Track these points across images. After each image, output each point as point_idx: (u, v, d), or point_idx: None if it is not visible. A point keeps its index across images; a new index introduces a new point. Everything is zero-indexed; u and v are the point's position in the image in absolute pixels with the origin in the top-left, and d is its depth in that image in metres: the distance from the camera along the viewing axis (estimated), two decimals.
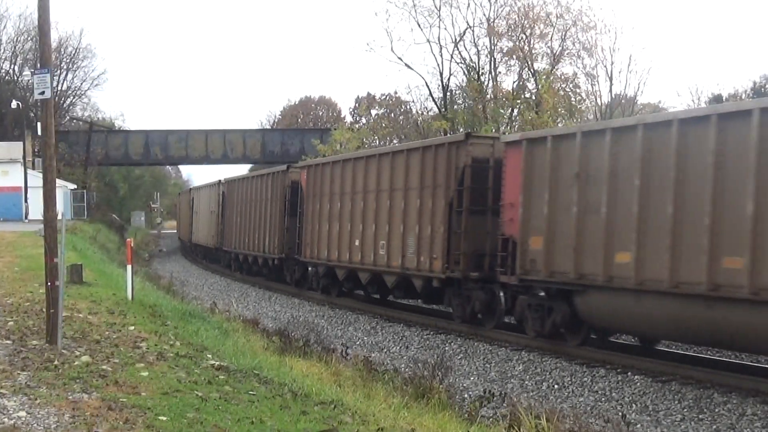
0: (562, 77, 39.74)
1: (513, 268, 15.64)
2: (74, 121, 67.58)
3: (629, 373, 12.97)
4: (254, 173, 36.27)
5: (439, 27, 42.03)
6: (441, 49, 41.69)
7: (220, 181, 40.72)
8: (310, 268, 25.83)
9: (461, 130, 39.41)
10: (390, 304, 22.67)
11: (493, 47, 40.60)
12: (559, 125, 33.17)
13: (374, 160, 21.37)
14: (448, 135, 32.11)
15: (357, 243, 21.79)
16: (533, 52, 39.34)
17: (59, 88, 62.16)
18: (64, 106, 64.96)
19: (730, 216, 11.43)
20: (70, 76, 65.10)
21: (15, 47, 61.71)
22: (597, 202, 13.65)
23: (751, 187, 11.03)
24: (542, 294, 15.31)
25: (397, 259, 19.67)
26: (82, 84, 67.00)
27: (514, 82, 41.04)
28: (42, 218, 11.38)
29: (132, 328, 11.58)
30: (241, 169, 64.80)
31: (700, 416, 10.89)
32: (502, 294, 16.72)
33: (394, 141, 47.05)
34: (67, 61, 64.17)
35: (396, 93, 52.35)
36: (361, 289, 23.37)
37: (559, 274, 14.54)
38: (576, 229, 14.04)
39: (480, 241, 17.12)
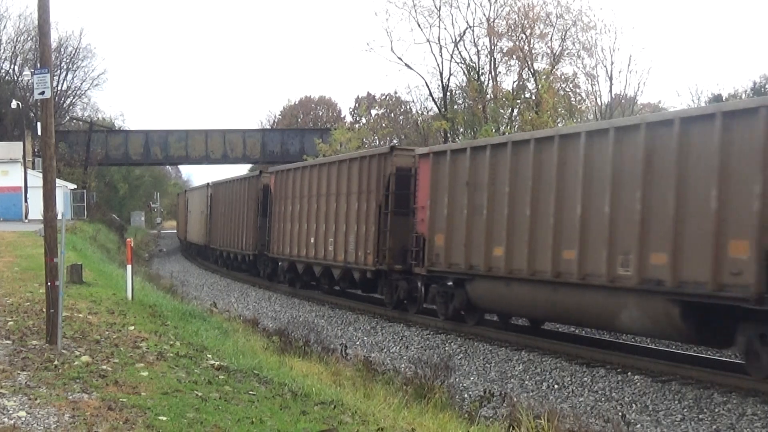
0: (562, 77, 39.75)
1: (423, 261, 18.67)
2: (74, 121, 67.59)
3: (629, 373, 12.97)
4: (234, 177, 39.20)
5: (439, 27, 42.08)
6: (441, 49, 41.74)
7: (208, 183, 44.27)
8: (279, 263, 28.69)
9: (461, 130, 39.47)
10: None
11: (493, 47, 40.64)
12: (560, 125, 33.19)
13: (325, 168, 24.61)
14: (403, 142, 33.59)
15: (312, 240, 24.98)
16: (533, 52, 39.36)
17: (59, 88, 62.19)
18: (64, 106, 64.96)
19: (566, 218, 14.33)
20: (70, 76, 65.21)
21: (15, 47, 61.76)
22: (481, 205, 16.61)
23: (579, 194, 14.07)
24: (450, 283, 17.97)
25: (341, 255, 22.80)
26: (82, 84, 67.11)
27: (514, 82, 41.07)
28: (42, 218, 11.38)
29: (132, 328, 11.59)
30: (241, 169, 64.92)
31: (700, 416, 10.89)
32: (419, 283, 19.33)
33: (394, 141, 47.08)
34: (67, 61, 64.25)
35: (396, 93, 52.42)
36: (316, 281, 25.96)
37: (455, 265, 17.46)
38: (466, 228, 17.03)
39: (403, 239, 19.82)
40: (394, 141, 46.99)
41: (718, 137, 11.62)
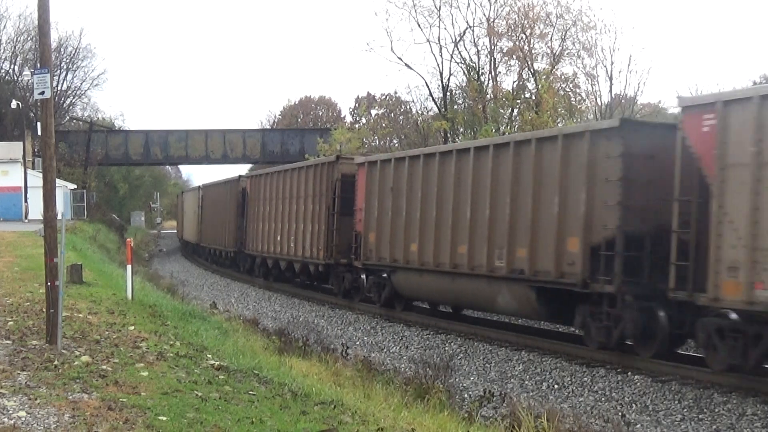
0: (562, 77, 39.69)
1: (360, 256, 21.54)
2: (74, 121, 67.56)
3: (629, 373, 12.97)
4: (220, 180, 42.60)
5: (439, 27, 42.01)
6: (441, 49, 41.67)
7: (199, 186, 48.27)
8: (255, 259, 32.14)
9: (461, 130, 39.45)
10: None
11: (493, 47, 40.58)
12: (559, 125, 33.20)
13: (288, 173, 28.15)
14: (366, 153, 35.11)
15: (278, 238, 28.56)
16: (533, 52, 39.31)
17: (59, 88, 62.17)
18: (64, 106, 64.94)
19: (461, 219, 17.30)
20: (70, 76, 65.15)
21: (15, 47, 61.71)
22: (401, 208, 19.52)
23: (469, 200, 16.99)
24: (384, 275, 20.61)
25: (300, 250, 26.35)
26: (82, 84, 67.05)
27: (514, 82, 41.01)
28: (42, 218, 11.38)
29: (132, 328, 11.59)
30: (241, 169, 64.87)
31: (700, 416, 10.89)
32: (363, 276, 22.10)
33: (394, 141, 47.07)
34: (67, 61, 64.20)
35: (396, 93, 52.29)
36: (281, 274, 29.38)
37: (383, 259, 20.37)
38: (390, 228, 20.01)
39: (348, 237, 22.81)
40: (394, 141, 47.00)
41: (560, 155, 14.63)
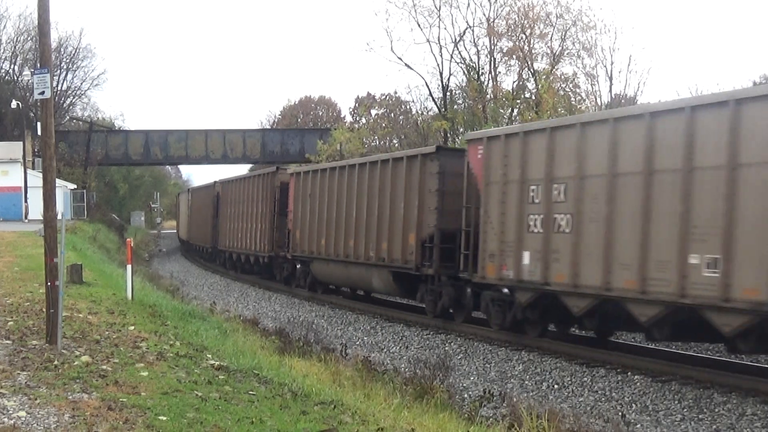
0: (562, 77, 39.69)
1: (290, 249, 27.00)
2: (74, 121, 67.54)
3: (629, 373, 12.97)
4: (201, 185, 48.60)
5: (439, 27, 42.06)
6: (441, 49, 41.72)
7: (188, 189, 55.58)
8: (227, 254, 37.01)
9: (461, 130, 39.46)
10: (389, 304, 22.71)
11: (492, 47, 40.61)
12: None
13: (248, 180, 33.72)
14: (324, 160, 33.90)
15: (239, 235, 34.07)
16: (533, 52, 39.32)
17: (59, 88, 62.17)
18: (64, 106, 64.93)
19: (349, 219, 22.33)
20: (70, 76, 65.14)
21: (15, 47, 61.69)
22: (315, 210, 24.66)
23: (354, 205, 22.14)
24: (307, 264, 25.95)
25: (253, 245, 32.00)
26: (82, 84, 67.05)
27: (514, 82, 41.02)
28: (42, 218, 11.38)
29: (132, 328, 11.59)
30: (241, 169, 64.91)
31: (700, 416, 10.89)
32: (298, 265, 27.03)
33: (394, 141, 47.04)
34: (67, 61, 64.19)
35: (396, 93, 52.30)
36: (243, 266, 34.36)
37: (304, 251, 25.63)
38: (309, 226, 25.14)
39: (285, 233, 27.75)
40: (394, 141, 46.97)
41: (405, 172, 19.65)
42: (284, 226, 27.93)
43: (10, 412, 6.59)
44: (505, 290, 16.22)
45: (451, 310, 18.49)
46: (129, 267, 15.75)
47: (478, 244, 16.56)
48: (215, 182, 40.57)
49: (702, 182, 11.78)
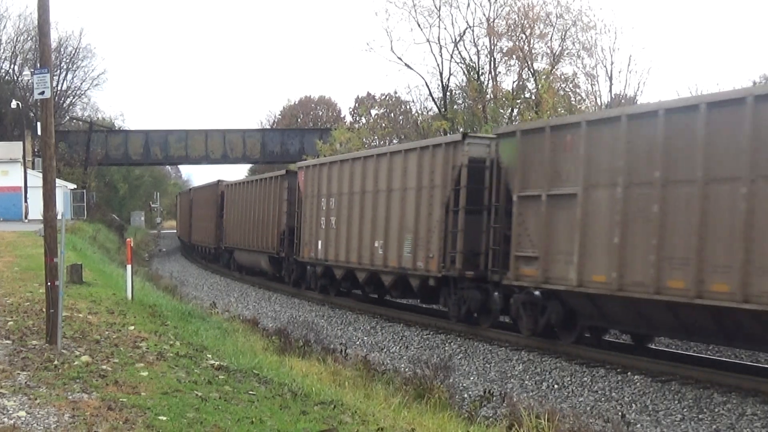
0: (562, 77, 39.69)
1: (222, 242, 38.80)
2: (74, 121, 67.55)
3: (629, 373, 12.96)
4: (203, 185, 49.72)
5: (438, 27, 42.06)
6: (441, 49, 41.71)
7: (190, 189, 57.36)
8: (233, 252, 39.10)
9: (461, 130, 39.43)
10: (389, 303, 22.71)
11: (492, 47, 40.59)
12: None
13: (258, 183, 33.48)
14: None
15: (238, 234, 36.10)
16: (533, 52, 39.32)
17: (59, 88, 62.16)
18: (64, 106, 64.92)
19: (251, 220, 32.44)
20: (70, 76, 65.12)
21: (15, 47, 61.69)
22: (238, 212, 35.77)
23: (255, 209, 32.72)
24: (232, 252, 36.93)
25: (206, 238, 42.72)
26: (82, 84, 67.03)
27: (513, 82, 41.02)
28: (42, 218, 11.38)
29: (132, 328, 11.59)
30: (241, 169, 65.00)
31: (700, 416, 10.89)
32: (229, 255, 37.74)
33: (394, 141, 47.01)
34: (67, 61, 64.17)
35: (396, 93, 52.26)
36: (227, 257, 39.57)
37: (231, 242, 35.87)
38: (234, 223, 36.22)
39: (221, 230, 39.31)
40: (394, 141, 46.95)
41: (271, 186, 29.76)
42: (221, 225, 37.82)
43: (10, 412, 6.59)
44: (311, 266, 25.74)
45: (297, 280, 27.87)
46: (129, 267, 15.75)
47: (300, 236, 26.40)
48: (219, 182, 40.76)
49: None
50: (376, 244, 20.66)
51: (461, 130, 39.69)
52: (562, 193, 14.31)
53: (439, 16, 41.40)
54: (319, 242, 24.28)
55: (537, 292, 15.30)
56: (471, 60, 41.34)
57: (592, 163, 13.66)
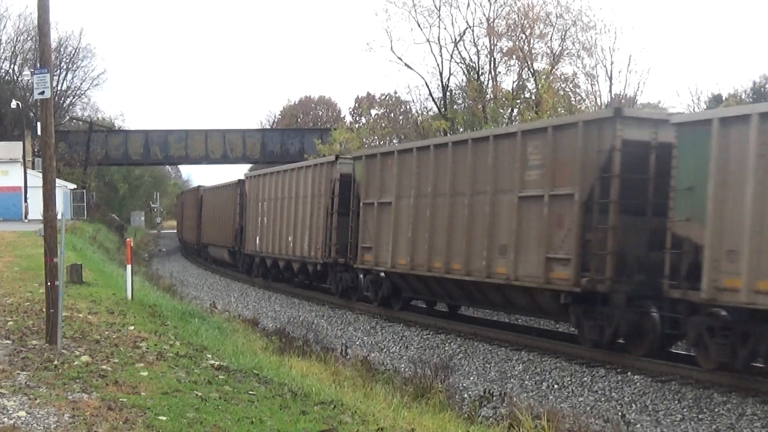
0: (562, 77, 39.65)
1: (182, 235, 55.77)
2: (74, 121, 67.52)
3: (629, 373, 12.96)
4: (190, 189, 60.17)
5: (438, 27, 41.97)
6: (441, 49, 41.63)
7: (182, 192, 65.65)
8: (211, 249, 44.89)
9: (461, 130, 39.44)
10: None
11: (492, 47, 40.54)
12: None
13: (222, 188, 40.15)
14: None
15: (210, 232, 42.04)
16: (533, 52, 39.27)
17: (59, 88, 62.12)
18: (64, 106, 64.88)
19: (213, 221, 41.59)
20: (69, 76, 65.04)
21: (15, 47, 61.63)
22: (208, 213, 43.95)
23: (213, 213, 42.21)
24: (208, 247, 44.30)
25: (222, 239, 40.91)
26: (81, 84, 66.95)
27: (513, 82, 40.98)
28: (42, 218, 11.38)
29: (132, 328, 11.59)
30: (241, 169, 65.06)
31: (700, 416, 10.89)
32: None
33: (394, 141, 47.01)
34: (67, 61, 64.11)
35: (396, 93, 52.24)
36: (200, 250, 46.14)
37: (205, 240, 43.28)
38: (195, 221, 47.18)
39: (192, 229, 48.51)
40: (394, 141, 46.94)
41: (225, 194, 38.50)
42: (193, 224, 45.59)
43: (10, 412, 6.59)
44: (254, 257, 31.44)
45: (248, 269, 33.02)
46: (129, 267, 15.75)
47: (244, 234, 32.03)
48: (199, 187, 48.17)
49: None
50: (290, 239, 26.83)
51: (461, 130, 39.74)
52: (385, 201, 19.72)
53: (439, 16, 41.37)
54: (257, 238, 30.68)
55: (382, 273, 20.26)
56: (471, 60, 41.32)
57: (401, 181, 19.26)
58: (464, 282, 16.92)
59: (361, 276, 21.77)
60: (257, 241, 30.47)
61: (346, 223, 22.52)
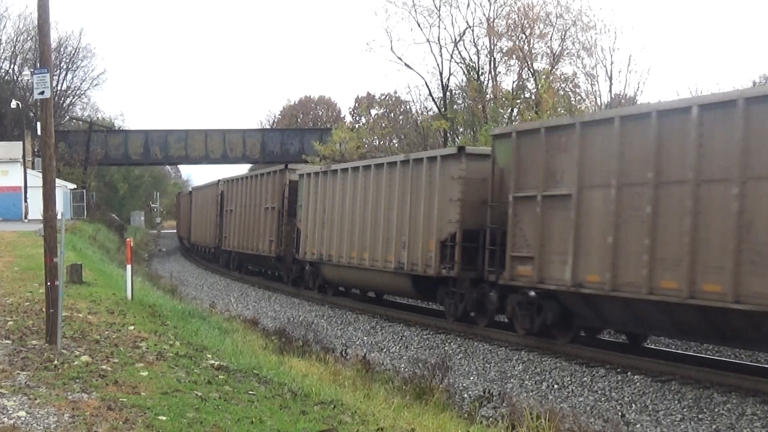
0: (562, 77, 39.68)
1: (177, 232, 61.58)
2: (74, 121, 67.54)
3: (629, 373, 12.97)
4: (185, 191, 62.41)
5: (438, 27, 42.05)
6: (441, 48, 41.67)
7: (179, 193, 69.64)
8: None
9: (461, 130, 39.47)
10: (387, 303, 22.73)
11: (492, 47, 40.57)
12: None
13: (205, 189, 44.01)
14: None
15: (199, 231, 45.56)
16: (533, 51, 39.30)
17: (59, 87, 62.15)
18: (64, 105, 64.91)
19: (200, 221, 46.05)
20: (69, 75, 65.09)
21: (15, 47, 61.65)
22: (197, 214, 47.05)
23: (197, 215, 48.12)
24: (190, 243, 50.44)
25: (207, 237, 43.26)
26: (81, 84, 67.01)
27: (513, 82, 41.01)
28: (41, 218, 11.37)
29: (132, 327, 11.58)
30: (241, 169, 65.01)
31: (700, 416, 10.89)
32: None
33: (394, 141, 47.03)
34: (67, 60, 64.15)
35: (396, 93, 52.33)
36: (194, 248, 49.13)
37: (195, 239, 47.17)
38: (189, 221, 49.37)
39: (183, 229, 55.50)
40: (394, 141, 46.97)
41: (188, 199, 51.51)
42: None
43: (10, 412, 6.59)
44: (228, 252, 36.00)
45: (226, 263, 38.20)
46: (129, 267, 15.75)
47: (222, 231, 36.95)
48: (191, 191, 51.51)
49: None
50: (255, 236, 31.48)
51: (461, 130, 39.76)
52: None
53: (439, 16, 41.43)
54: (231, 236, 35.70)
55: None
56: (471, 60, 41.35)
57: (334, 194, 23.45)
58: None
59: (307, 266, 26.23)
60: (231, 239, 35.95)
61: (294, 224, 27.23)
